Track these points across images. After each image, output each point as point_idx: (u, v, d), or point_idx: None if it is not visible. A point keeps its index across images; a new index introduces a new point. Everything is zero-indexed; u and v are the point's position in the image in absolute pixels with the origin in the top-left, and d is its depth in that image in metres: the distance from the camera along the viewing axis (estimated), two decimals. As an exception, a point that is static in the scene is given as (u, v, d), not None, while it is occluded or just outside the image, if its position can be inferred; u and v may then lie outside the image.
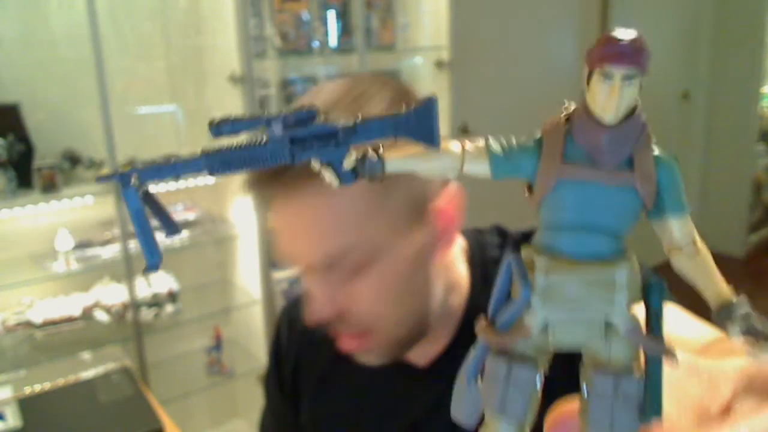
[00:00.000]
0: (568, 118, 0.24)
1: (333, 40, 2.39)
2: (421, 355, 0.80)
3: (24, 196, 1.85)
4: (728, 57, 3.99)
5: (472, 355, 0.26)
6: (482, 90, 2.85)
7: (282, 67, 2.38)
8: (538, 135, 0.24)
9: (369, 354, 0.72)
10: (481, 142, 0.24)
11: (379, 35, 2.48)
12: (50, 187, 1.85)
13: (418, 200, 0.66)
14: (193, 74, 2.30)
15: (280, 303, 2.31)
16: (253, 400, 2.48)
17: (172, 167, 0.27)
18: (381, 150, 0.24)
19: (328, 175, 0.24)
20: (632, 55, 0.22)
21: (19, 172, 1.85)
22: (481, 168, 0.24)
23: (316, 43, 2.36)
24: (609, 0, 3.39)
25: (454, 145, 0.24)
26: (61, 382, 1.51)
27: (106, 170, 1.93)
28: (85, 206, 2.00)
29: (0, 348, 1.91)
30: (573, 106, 0.25)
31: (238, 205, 2.30)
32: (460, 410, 0.27)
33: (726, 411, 0.25)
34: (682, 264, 0.25)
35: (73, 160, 1.98)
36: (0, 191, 1.83)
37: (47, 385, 1.49)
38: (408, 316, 0.70)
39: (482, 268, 0.76)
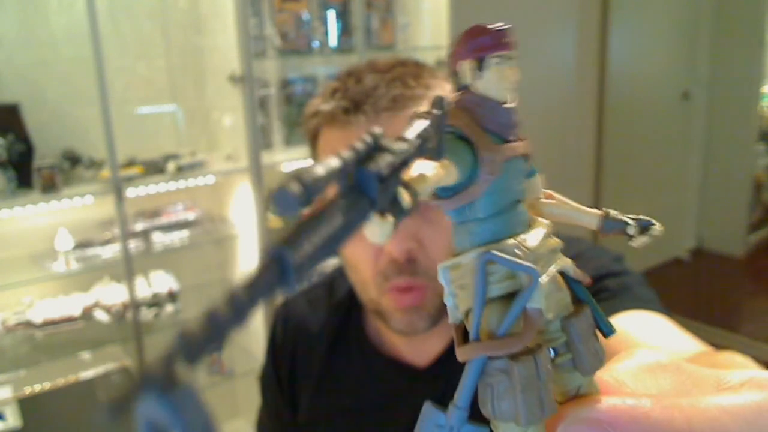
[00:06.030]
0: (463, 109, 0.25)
1: (333, 40, 2.39)
2: (421, 355, 0.80)
3: (24, 196, 1.84)
4: (728, 57, 3.99)
5: (460, 392, 0.23)
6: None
7: (282, 66, 2.37)
8: (454, 133, 0.24)
9: (416, 313, 0.72)
10: (432, 161, 0.22)
11: (379, 35, 2.48)
12: (50, 187, 1.85)
13: None
14: (193, 74, 2.30)
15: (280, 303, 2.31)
16: (253, 400, 2.48)
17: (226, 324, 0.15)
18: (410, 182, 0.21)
19: (381, 222, 0.18)
20: (512, 39, 0.25)
21: (19, 172, 1.85)
22: (451, 178, 0.23)
23: (316, 43, 2.36)
24: (609, 0, 3.39)
25: (427, 167, 0.22)
26: (61, 382, 1.51)
27: (105, 176, 1.92)
28: (85, 206, 2.00)
29: (0, 348, 1.91)
30: (443, 106, 0.23)
31: (238, 205, 2.30)
32: None
33: None
34: (552, 208, 0.28)
35: (73, 160, 1.98)
36: (0, 191, 1.83)
37: (47, 385, 1.49)
38: None
39: None
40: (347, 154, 0.18)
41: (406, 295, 0.71)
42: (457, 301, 0.24)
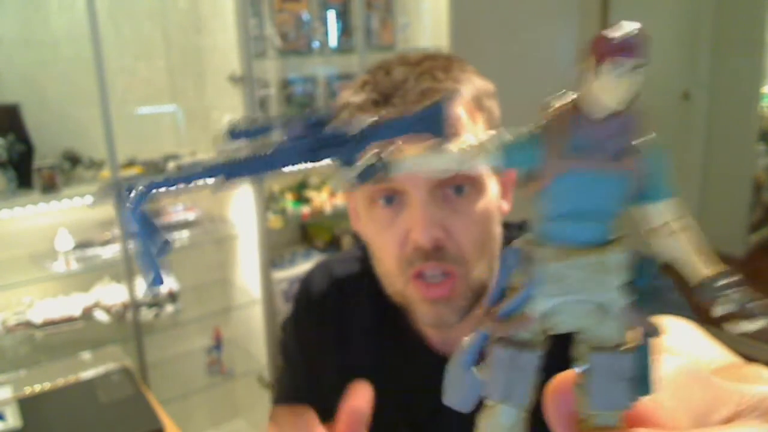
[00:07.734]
0: (570, 109, 0.25)
1: (333, 40, 2.40)
2: (448, 342, 0.81)
3: (24, 196, 1.85)
4: (728, 57, 3.99)
5: (470, 342, 0.27)
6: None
7: (282, 67, 2.38)
8: (541, 124, 0.25)
9: (446, 306, 0.71)
10: (484, 135, 0.25)
11: (379, 35, 2.48)
12: (50, 187, 1.85)
13: None
14: (193, 74, 2.30)
15: (280, 303, 2.31)
16: (253, 400, 2.48)
17: (186, 176, 0.25)
18: (389, 152, 0.25)
19: (344, 174, 0.25)
20: (641, 46, 0.23)
21: (19, 172, 1.85)
22: (492, 159, 0.25)
23: (316, 43, 2.36)
24: (609, 0, 3.39)
25: (467, 138, 0.25)
26: (61, 382, 1.51)
27: (105, 176, 1.93)
28: (85, 206, 2.00)
29: (0, 348, 1.91)
30: (570, 96, 0.25)
31: (238, 205, 2.30)
32: (455, 397, 0.28)
33: (724, 424, 0.25)
34: (667, 242, 0.26)
35: (73, 160, 1.98)
36: (0, 191, 1.83)
37: (47, 385, 1.49)
38: (483, 269, 0.73)
39: None
40: (305, 115, 0.25)
41: (435, 287, 0.70)
42: None
